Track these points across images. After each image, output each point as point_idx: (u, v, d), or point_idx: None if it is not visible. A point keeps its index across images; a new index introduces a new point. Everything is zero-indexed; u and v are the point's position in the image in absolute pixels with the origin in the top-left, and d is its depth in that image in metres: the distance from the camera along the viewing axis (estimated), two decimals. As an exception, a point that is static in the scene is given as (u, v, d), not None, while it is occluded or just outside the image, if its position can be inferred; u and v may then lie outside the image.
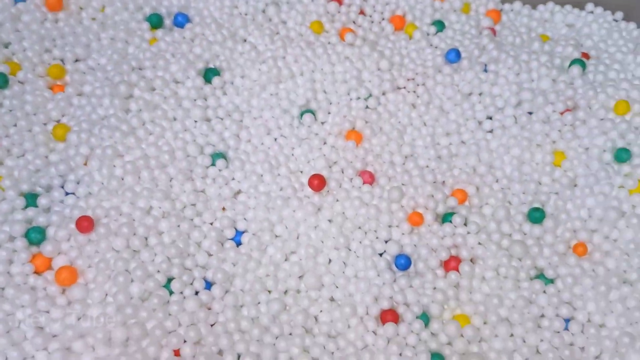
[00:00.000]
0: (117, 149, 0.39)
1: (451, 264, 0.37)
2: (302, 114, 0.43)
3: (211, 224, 0.38)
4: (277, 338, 0.35)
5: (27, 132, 0.41)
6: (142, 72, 0.43)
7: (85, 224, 0.35)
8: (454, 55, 0.44)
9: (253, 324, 0.35)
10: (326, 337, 0.35)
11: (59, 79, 0.43)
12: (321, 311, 0.36)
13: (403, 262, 0.37)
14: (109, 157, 0.38)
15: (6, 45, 0.44)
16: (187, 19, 0.46)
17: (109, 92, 0.41)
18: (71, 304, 0.34)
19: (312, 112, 0.43)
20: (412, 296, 0.36)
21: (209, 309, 0.35)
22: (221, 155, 0.40)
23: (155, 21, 0.46)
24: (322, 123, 0.43)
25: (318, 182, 0.38)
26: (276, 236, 0.38)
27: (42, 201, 0.37)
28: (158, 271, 0.36)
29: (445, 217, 0.39)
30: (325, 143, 0.42)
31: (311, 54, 0.45)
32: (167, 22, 0.47)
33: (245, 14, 0.48)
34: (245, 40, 0.46)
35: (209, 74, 0.43)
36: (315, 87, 0.44)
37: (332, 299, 0.37)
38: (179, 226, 0.37)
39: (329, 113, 0.43)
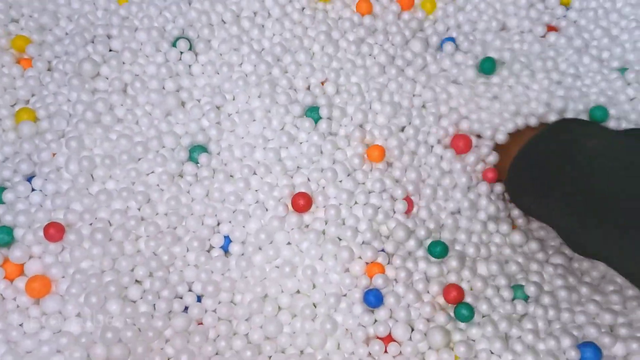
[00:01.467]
0: (83, 141, 0.33)
1: None
2: (307, 112, 0.35)
3: (194, 232, 0.33)
4: (270, 357, 0.31)
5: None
6: (110, 41, 0.37)
7: (52, 232, 0.31)
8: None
9: (247, 342, 0.31)
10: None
11: (23, 52, 0.38)
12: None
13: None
14: (75, 149, 0.33)
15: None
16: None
17: (71, 69, 0.35)
18: (46, 316, 0.31)
19: (317, 111, 0.35)
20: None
21: (200, 324, 0.31)
22: (202, 148, 0.34)
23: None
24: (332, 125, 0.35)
25: (304, 203, 0.32)
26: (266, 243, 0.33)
27: (9, 196, 0.33)
28: (136, 281, 0.31)
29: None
30: (338, 148, 0.35)
31: (326, 30, 0.37)
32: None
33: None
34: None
35: (176, 43, 0.36)
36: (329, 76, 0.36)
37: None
38: (160, 233, 0.32)
39: (344, 116, 0.36)
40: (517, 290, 0.32)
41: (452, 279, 0.32)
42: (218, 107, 0.35)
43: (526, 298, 0.32)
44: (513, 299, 0.32)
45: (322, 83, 0.36)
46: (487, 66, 0.36)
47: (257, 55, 0.36)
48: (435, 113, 0.36)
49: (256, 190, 0.34)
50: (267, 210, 0.33)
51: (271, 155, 0.34)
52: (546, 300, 0.32)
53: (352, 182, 0.34)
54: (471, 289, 0.32)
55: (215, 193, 0.33)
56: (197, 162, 0.34)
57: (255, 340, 0.31)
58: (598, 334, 0.31)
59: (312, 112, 0.35)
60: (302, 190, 0.33)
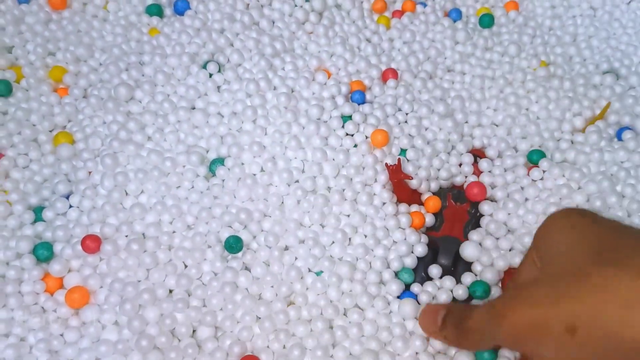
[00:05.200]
0: (117, 158, 0.36)
1: None
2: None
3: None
4: None
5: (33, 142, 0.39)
6: (142, 67, 0.39)
7: (90, 244, 0.33)
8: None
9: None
10: None
11: (60, 82, 0.41)
12: None
13: None
14: (110, 166, 0.35)
15: (9, 50, 0.42)
16: (188, 5, 0.42)
17: (106, 95, 0.38)
18: (85, 325, 0.32)
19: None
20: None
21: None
22: (221, 161, 0.36)
23: (155, 11, 0.42)
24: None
25: None
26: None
27: (48, 214, 0.35)
28: (170, 290, 0.33)
29: None
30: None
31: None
32: (168, 11, 0.43)
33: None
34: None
35: (205, 66, 0.39)
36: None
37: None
38: (189, 244, 0.34)
39: None
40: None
41: None
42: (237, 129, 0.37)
43: None
44: None
45: None
46: None
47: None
48: None
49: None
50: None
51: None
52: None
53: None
54: None
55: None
56: (214, 174, 0.35)
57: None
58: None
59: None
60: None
